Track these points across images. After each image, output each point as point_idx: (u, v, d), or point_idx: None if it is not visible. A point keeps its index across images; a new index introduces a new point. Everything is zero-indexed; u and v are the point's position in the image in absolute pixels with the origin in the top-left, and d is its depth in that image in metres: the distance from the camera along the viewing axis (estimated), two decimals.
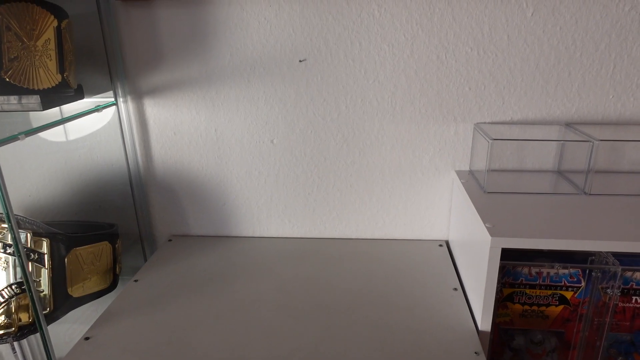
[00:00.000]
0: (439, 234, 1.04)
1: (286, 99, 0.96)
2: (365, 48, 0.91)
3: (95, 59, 0.95)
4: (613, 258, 0.75)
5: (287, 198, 1.04)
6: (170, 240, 1.07)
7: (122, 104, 0.97)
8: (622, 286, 0.76)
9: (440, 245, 1.02)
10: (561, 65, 0.89)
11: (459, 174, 0.96)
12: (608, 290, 0.75)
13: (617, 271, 0.73)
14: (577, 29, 0.86)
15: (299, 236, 1.07)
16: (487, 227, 0.72)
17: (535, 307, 0.80)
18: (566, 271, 0.77)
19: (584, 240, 0.69)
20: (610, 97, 0.90)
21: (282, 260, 0.97)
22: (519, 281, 0.78)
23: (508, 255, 0.78)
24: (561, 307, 0.79)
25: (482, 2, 0.86)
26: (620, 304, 0.78)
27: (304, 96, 0.95)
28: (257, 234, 1.08)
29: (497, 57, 0.89)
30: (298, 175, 1.02)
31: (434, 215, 1.02)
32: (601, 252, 0.75)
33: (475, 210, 0.79)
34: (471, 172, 0.96)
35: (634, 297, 0.77)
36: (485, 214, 0.76)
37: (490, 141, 0.82)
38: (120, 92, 0.96)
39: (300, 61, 0.93)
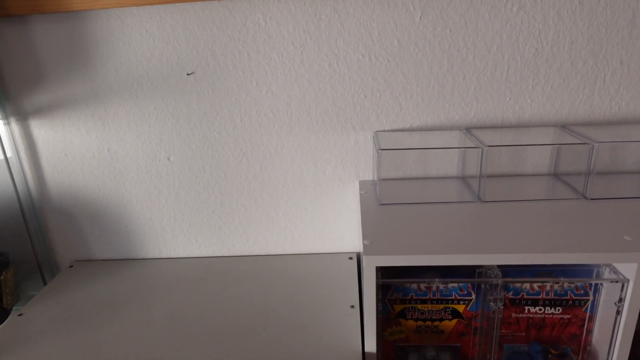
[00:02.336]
0: (349, 247, 1.01)
1: (178, 114, 0.91)
2: (254, 58, 0.87)
3: None
4: (497, 270, 0.72)
5: (191, 216, 0.99)
6: (71, 266, 1.02)
7: (3, 127, 0.92)
8: (512, 297, 0.74)
9: (350, 258, 0.98)
10: (455, 69, 0.86)
11: (362, 184, 0.93)
12: (491, 303, 0.72)
13: (499, 283, 0.70)
14: (467, 30, 0.84)
15: (207, 255, 1.03)
16: (364, 244, 0.69)
17: (429, 323, 0.77)
18: (455, 285, 0.74)
19: (466, 254, 0.66)
20: (508, 99, 0.88)
21: (183, 282, 0.93)
22: (410, 297, 0.75)
23: (400, 269, 0.75)
24: (455, 320, 0.76)
25: (368, 6, 0.83)
26: (514, 315, 0.76)
27: (197, 110, 0.91)
28: (163, 255, 1.03)
29: (389, 62, 0.86)
30: (199, 193, 0.97)
31: (343, 228, 0.99)
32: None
33: (360, 225, 0.75)
34: (373, 182, 0.93)
35: (526, 307, 0.75)
36: (368, 229, 0.73)
37: (378, 151, 0.79)
38: (0, 114, 0.91)
39: (188, 74, 0.89)
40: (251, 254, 1.02)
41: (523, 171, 0.92)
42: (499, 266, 0.74)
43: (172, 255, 1.03)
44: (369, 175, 0.95)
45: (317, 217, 0.98)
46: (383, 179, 0.93)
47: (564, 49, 0.84)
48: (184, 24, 0.85)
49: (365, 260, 0.66)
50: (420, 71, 0.87)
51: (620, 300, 0.67)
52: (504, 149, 0.91)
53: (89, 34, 0.87)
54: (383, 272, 0.75)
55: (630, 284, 0.65)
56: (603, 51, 0.84)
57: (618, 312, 0.68)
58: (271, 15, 0.84)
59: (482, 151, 0.79)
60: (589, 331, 0.75)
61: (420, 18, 0.83)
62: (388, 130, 0.91)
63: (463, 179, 0.92)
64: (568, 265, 0.73)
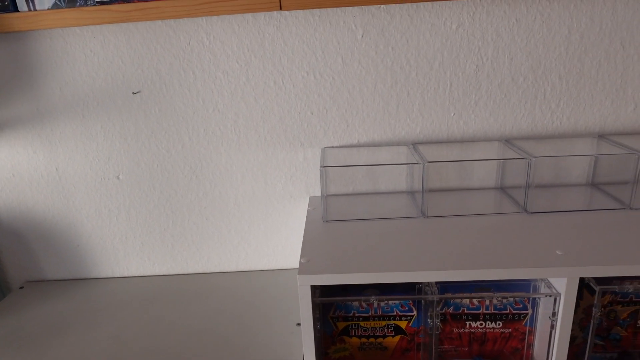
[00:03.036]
0: None
1: (126, 132, 0.91)
2: (199, 77, 0.87)
3: None
4: (434, 287, 0.72)
5: (143, 235, 0.98)
6: (22, 287, 1.00)
7: None
8: (453, 312, 0.74)
9: None
10: (399, 86, 0.87)
11: (312, 200, 0.93)
12: (428, 320, 0.72)
13: (434, 299, 0.71)
14: (409, 48, 0.85)
15: (161, 273, 1.02)
16: (300, 263, 0.69)
17: (372, 339, 0.77)
18: (396, 301, 0.74)
19: (402, 272, 0.66)
20: (452, 115, 0.89)
21: (132, 302, 0.92)
22: (352, 314, 0.75)
23: (342, 286, 0.75)
24: (398, 337, 0.76)
25: (310, 25, 0.84)
26: (456, 330, 0.76)
27: (144, 129, 0.91)
28: (117, 274, 1.02)
29: (334, 80, 0.87)
30: (150, 211, 0.97)
31: (296, 244, 0.99)
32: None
33: (302, 242, 0.75)
34: (322, 198, 0.93)
35: (467, 322, 0.75)
36: (308, 247, 0.73)
37: (321, 169, 0.80)
38: None
39: (134, 93, 0.89)
40: (205, 272, 1.02)
41: (470, 185, 0.93)
42: (439, 282, 0.74)
43: (126, 274, 1.02)
44: (319, 191, 0.95)
45: (269, 233, 0.98)
46: (332, 195, 0.94)
47: (504, 64, 0.85)
48: (127, 43, 0.85)
49: (299, 280, 0.65)
50: (365, 88, 0.87)
51: (554, 314, 0.68)
52: (450, 164, 0.92)
53: (32, 54, 0.86)
54: (324, 290, 0.75)
55: (562, 298, 0.66)
56: (542, 67, 0.85)
57: (552, 326, 0.68)
58: (215, 35, 0.85)
59: (423, 167, 0.80)
60: (530, 345, 0.76)
61: (362, 36, 0.84)
62: (336, 147, 0.92)
63: (412, 194, 0.93)
64: (505, 280, 0.73)
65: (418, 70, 0.86)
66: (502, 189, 0.92)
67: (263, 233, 0.98)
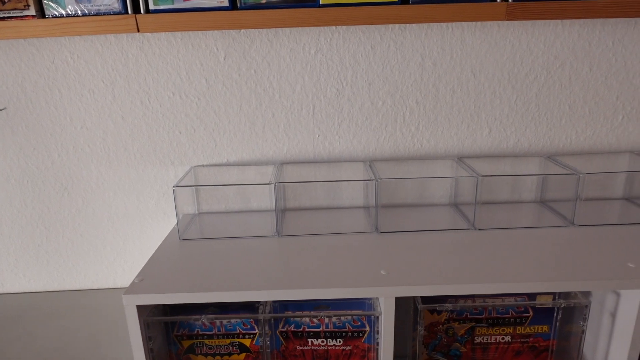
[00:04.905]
0: None
1: None
2: (66, 95, 0.88)
3: None
4: (269, 306, 0.74)
5: (17, 251, 0.98)
6: None
7: None
8: (294, 330, 0.76)
9: None
10: (263, 107, 0.90)
11: (184, 217, 0.94)
12: (264, 338, 0.74)
13: (267, 318, 0.73)
14: (271, 71, 0.87)
15: (38, 290, 1.01)
16: (132, 282, 0.69)
17: (219, 357, 0.78)
18: (238, 319, 0.76)
19: (236, 291, 0.68)
20: (317, 136, 0.92)
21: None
22: (196, 332, 0.76)
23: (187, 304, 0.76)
24: (243, 354, 0.78)
25: (173, 47, 0.86)
26: (299, 348, 0.78)
27: (12, 145, 0.91)
28: None
29: (200, 100, 0.89)
30: (23, 227, 0.96)
31: None
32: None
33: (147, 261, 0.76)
34: (193, 216, 0.94)
35: (309, 340, 0.77)
36: (150, 266, 0.74)
37: (173, 188, 0.81)
38: None
39: None
40: (82, 288, 1.01)
41: (340, 204, 0.96)
42: (280, 300, 0.76)
43: (1, 291, 1.01)
44: (192, 209, 0.96)
45: (145, 250, 0.98)
46: (205, 213, 0.95)
47: (363, 89, 0.89)
48: None
49: (124, 299, 0.66)
50: (231, 109, 0.90)
51: (378, 332, 0.70)
52: (319, 184, 0.94)
53: None
54: (171, 307, 0.76)
55: (382, 318, 0.68)
56: (399, 92, 0.89)
57: (377, 344, 0.71)
58: (79, 54, 0.86)
59: (274, 187, 0.82)
60: None
61: (225, 59, 0.87)
62: (206, 165, 0.93)
63: (273, 212, 0.95)
64: (336, 299, 0.75)
65: (281, 92, 0.89)
66: (366, 208, 0.95)
67: (139, 250, 0.98)
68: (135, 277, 0.71)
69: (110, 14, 0.77)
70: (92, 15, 0.78)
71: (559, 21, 0.85)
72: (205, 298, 0.68)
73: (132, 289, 0.68)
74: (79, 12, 0.77)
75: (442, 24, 0.85)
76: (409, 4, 0.79)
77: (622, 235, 0.80)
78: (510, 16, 0.81)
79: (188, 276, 0.71)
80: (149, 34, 0.85)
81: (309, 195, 0.95)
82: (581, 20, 0.85)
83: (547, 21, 0.85)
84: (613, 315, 0.73)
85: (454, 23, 0.85)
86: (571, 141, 0.93)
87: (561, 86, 0.89)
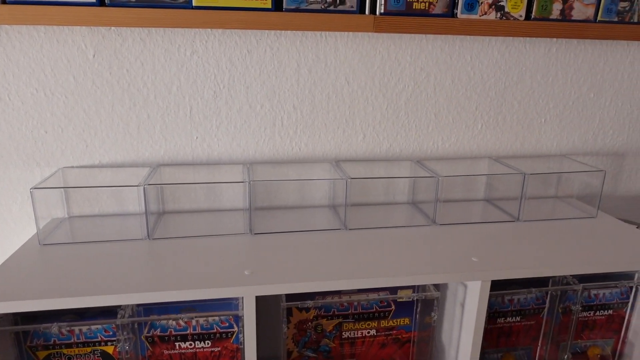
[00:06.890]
0: None
1: None
2: None
3: None
4: (130, 309, 0.73)
5: None
6: None
7: None
8: (160, 334, 0.75)
9: None
10: (138, 108, 0.88)
11: (53, 221, 0.89)
12: (125, 344, 0.72)
13: (124, 324, 0.71)
14: (145, 71, 0.86)
15: None
16: None
17: None
18: (99, 326, 0.73)
19: (93, 296, 0.65)
20: (195, 138, 0.91)
21: None
22: (52, 342, 0.73)
23: (45, 312, 0.72)
24: None
25: (36, 42, 0.81)
26: (166, 352, 0.76)
27: None
28: None
29: (67, 99, 0.85)
30: None
31: None
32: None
33: None
34: (65, 220, 0.90)
35: (176, 344, 0.76)
36: (1, 274, 0.70)
37: (31, 191, 0.77)
38: None
39: None
40: None
41: (220, 206, 0.96)
42: (144, 304, 0.74)
43: None
44: (62, 212, 0.91)
45: (5, 257, 0.92)
46: (76, 216, 0.91)
47: (241, 92, 0.90)
48: None
49: None
50: (102, 109, 0.86)
51: (240, 332, 0.71)
52: (198, 186, 0.93)
53: None
54: (23, 316, 0.71)
55: (244, 318, 0.70)
56: (277, 96, 0.91)
57: (241, 343, 0.72)
58: None
59: (144, 189, 0.80)
60: None
61: (94, 56, 0.84)
62: (77, 167, 0.89)
63: (141, 215, 0.93)
64: (201, 300, 0.75)
65: (156, 93, 0.87)
66: (245, 210, 0.96)
67: (3, 257, 0.91)
68: None
69: None
70: None
71: (423, 36, 0.92)
72: (58, 304, 0.65)
73: None
74: None
75: (316, 32, 0.89)
76: (282, 11, 0.82)
77: (474, 232, 0.87)
78: (378, 28, 0.86)
79: (42, 283, 0.68)
80: (7, 27, 0.79)
81: (189, 197, 0.94)
82: (443, 36, 0.93)
83: (413, 35, 0.92)
84: (462, 305, 0.80)
85: (327, 32, 0.89)
86: (437, 147, 1.00)
87: (427, 96, 0.96)
